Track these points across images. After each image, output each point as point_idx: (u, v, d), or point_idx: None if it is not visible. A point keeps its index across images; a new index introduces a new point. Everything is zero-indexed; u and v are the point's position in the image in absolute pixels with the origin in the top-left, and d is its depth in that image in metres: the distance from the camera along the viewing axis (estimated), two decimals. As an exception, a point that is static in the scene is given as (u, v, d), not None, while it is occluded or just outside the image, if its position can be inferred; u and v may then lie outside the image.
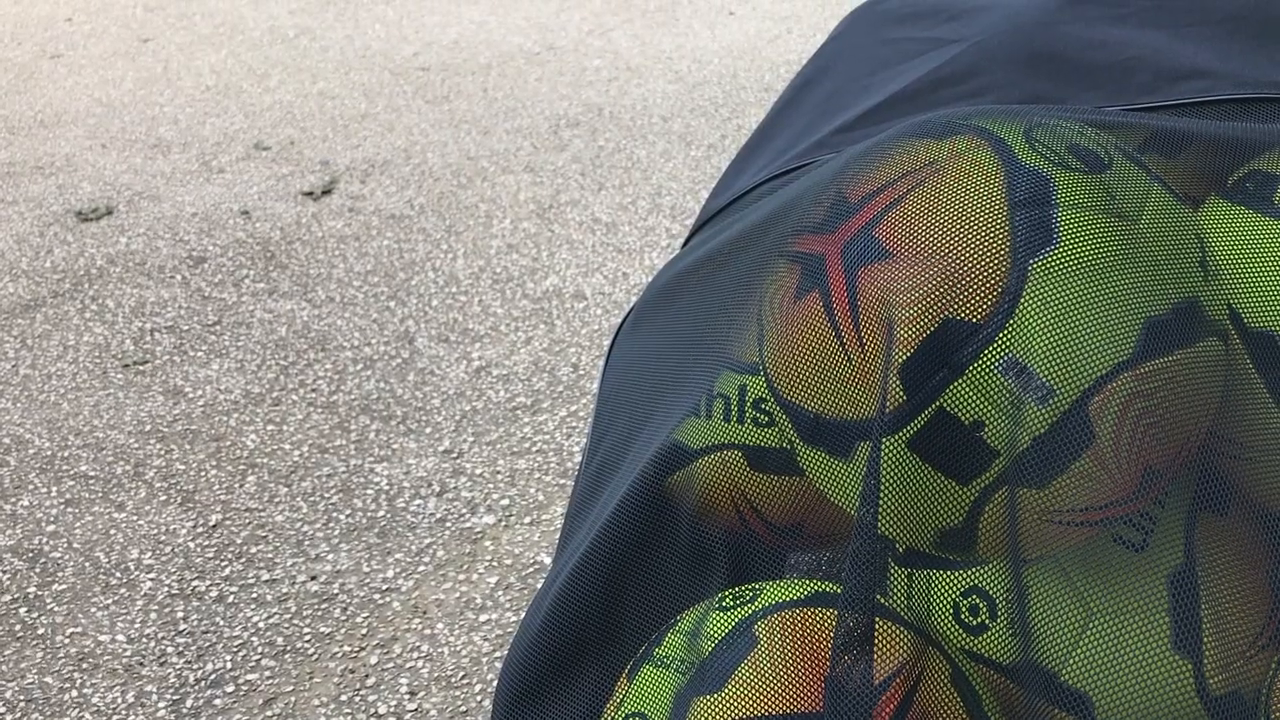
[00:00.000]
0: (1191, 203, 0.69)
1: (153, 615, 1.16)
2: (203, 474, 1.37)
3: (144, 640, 1.13)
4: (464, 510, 1.24)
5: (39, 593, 1.21)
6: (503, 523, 1.22)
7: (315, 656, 1.09)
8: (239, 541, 1.25)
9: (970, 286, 0.57)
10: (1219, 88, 0.72)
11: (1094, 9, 0.79)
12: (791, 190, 0.76)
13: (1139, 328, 0.57)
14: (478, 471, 1.29)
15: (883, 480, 0.60)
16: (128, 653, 1.12)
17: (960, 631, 0.66)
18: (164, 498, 1.33)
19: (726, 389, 0.75)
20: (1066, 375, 0.56)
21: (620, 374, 0.87)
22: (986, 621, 0.65)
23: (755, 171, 0.89)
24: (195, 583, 1.20)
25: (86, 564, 1.24)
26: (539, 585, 1.12)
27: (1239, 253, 0.65)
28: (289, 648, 1.11)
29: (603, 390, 0.87)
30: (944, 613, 0.67)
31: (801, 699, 0.61)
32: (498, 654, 1.08)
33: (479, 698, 1.06)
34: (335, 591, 1.16)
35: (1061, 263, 0.57)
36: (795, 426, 0.66)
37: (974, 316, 0.57)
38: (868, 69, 0.90)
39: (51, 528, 1.30)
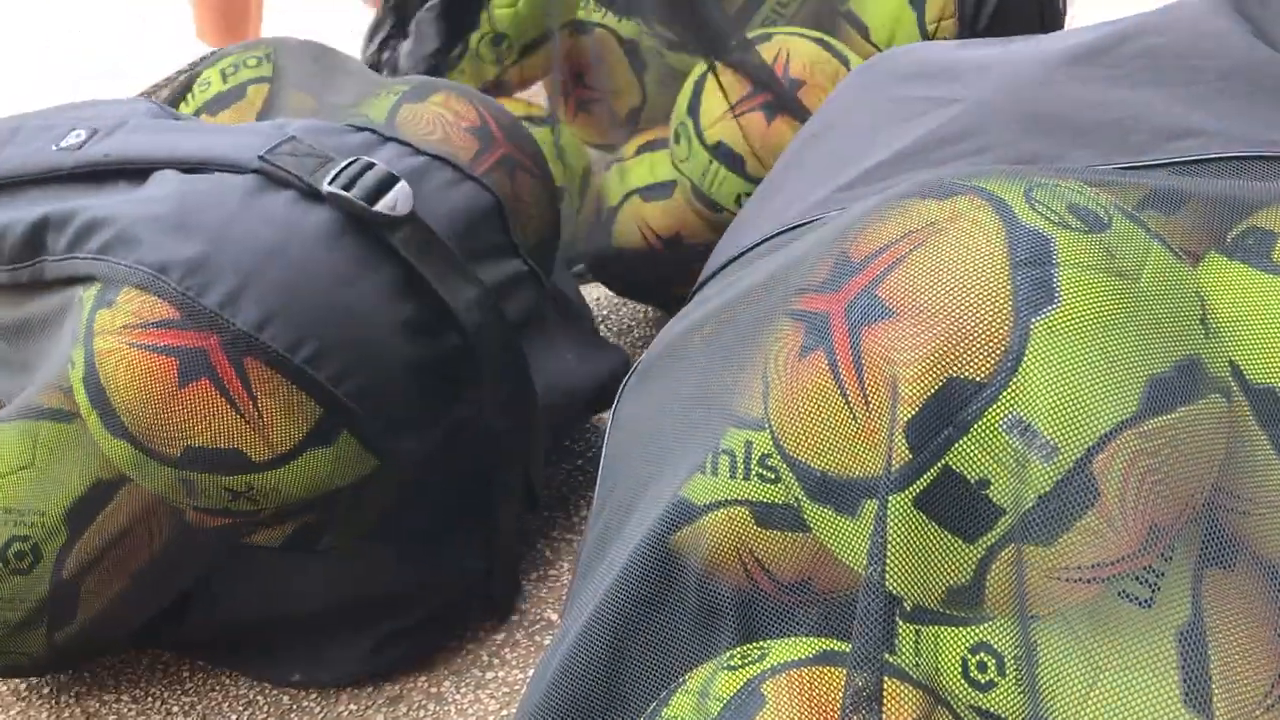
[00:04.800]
0: (1191, 259, 0.69)
1: (158, 674, 1.17)
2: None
3: (149, 700, 1.13)
4: (470, 566, 1.24)
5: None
6: (509, 579, 1.23)
7: (321, 715, 1.09)
8: (245, 599, 1.25)
9: (973, 345, 0.58)
10: (1214, 146, 0.73)
11: (1091, 69, 0.80)
12: (795, 248, 0.77)
13: (1142, 385, 0.57)
14: (483, 527, 1.29)
15: (890, 538, 0.60)
16: (132, 713, 1.12)
17: (969, 688, 0.66)
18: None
19: (732, 445, 0.76)
20: (1070, 433, 0.57)
21: (626, 431, 0.87)
22: (995, 678, 0.65)
23: (760, 227, 0.90)
24: (201, 641, 1.20)
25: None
26: (547, 643, 1.12)
27: (1240, 309, 0.66)
28: (295, 706, 1.11)
29: (608, 447, 0.88)
30: (953, 669, 0.67)
31: (811, 758, 0.61)
32: (505, 712, 1.07)
33: (486, 757, 1.05)
34: (341, 649, 1.16)
35: (1063, 321, 0.57)
36: (802, 484, 0.67)
37: (978, 375, 0.58)
38: (871, 126, 0.91)
39: None
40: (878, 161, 0.84)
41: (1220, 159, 0.71)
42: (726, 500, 0.74)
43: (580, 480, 1.34)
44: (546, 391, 1.08)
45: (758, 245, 0.88)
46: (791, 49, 1.30)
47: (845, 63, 1.30)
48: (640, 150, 1.44)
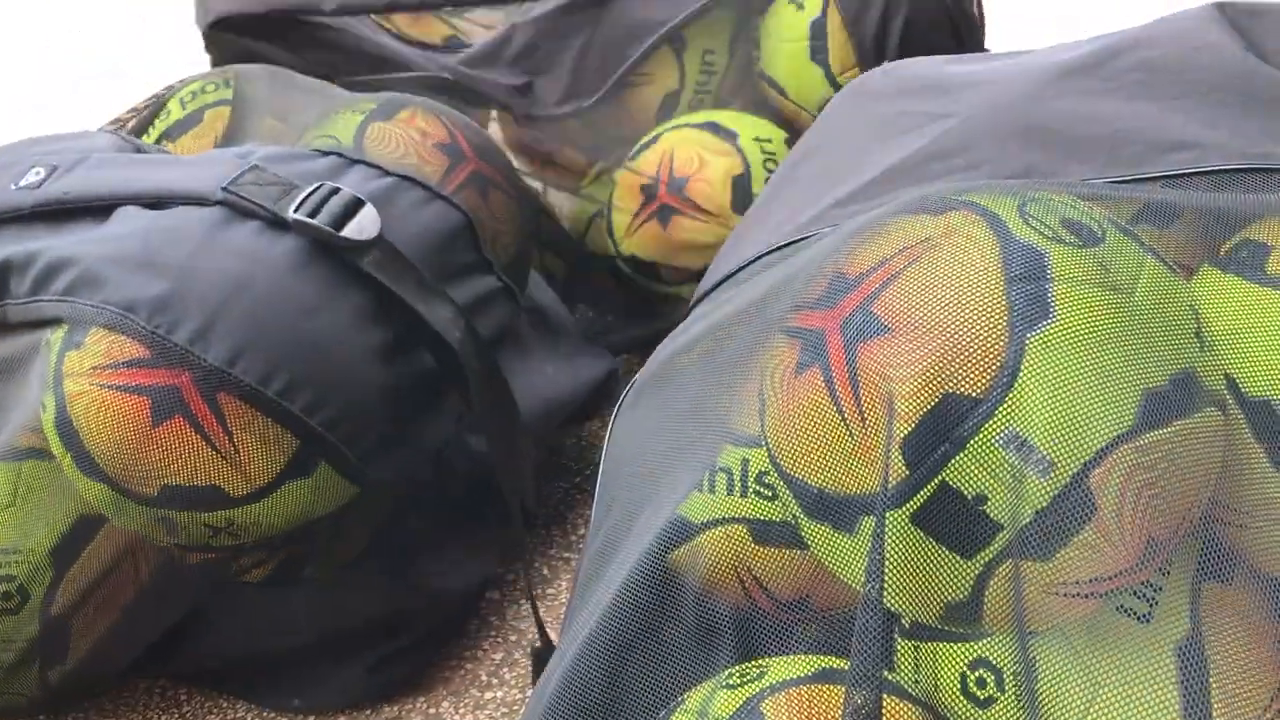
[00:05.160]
0: (1185, 272, 0.70)
1: (155, 698, 1.16)
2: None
3: (146, 723, 1.13)
4: (468, 585, 1.23)
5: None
6: (507, 598, 1.22)
7: (320, 737, 1.09)
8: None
9: (969, 361, 0.58)
10: (1208, 158, 0.73)
11: (1083, 82, 0.81)
12: (790, 265, 0.77)
13: (1137, 399, 0.57)
14: (481, 546, 1.29)
15: (887, 555, 0.60)
16: (131, 736, 1.12)
17: (968, 705, 0.66)
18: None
19: (729, 462, 0.76)
20: (1067, 448, 0.57)
21: (623, 449, 0.87)
22: (994, 694, 0.65)
23: (754, 244, 0.90)
24: (198, 664, 1.20)
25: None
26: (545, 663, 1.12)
27: (1235, 322, 0.66)
28: (293, 729, 1.11)
29: (605, 465, 0.88)
30: (952, 685, 0.66)
31: (811, 777, 0.61)
32: (503, 732, 1.07)
33: (485, 778, 1.05)
34: (339, 670, 1.16)
35: (1058, 336, 0.58)
36: (799, 501, 0.66)
37: (974, 391, 0.58)
38: (861, 143, 0.91)
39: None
40: (871, 177, 0.84)
41: (1214, 171, 0.72)
42: (724, 518, 0.74)
43: (578, 498, 1.34)
44: (527, 405, 1.08)
45: (752, 263, 0.88)
46: (675, 147, 1.36)
47: (733, 138, 1.35)
48: (598, 176, 1.47)
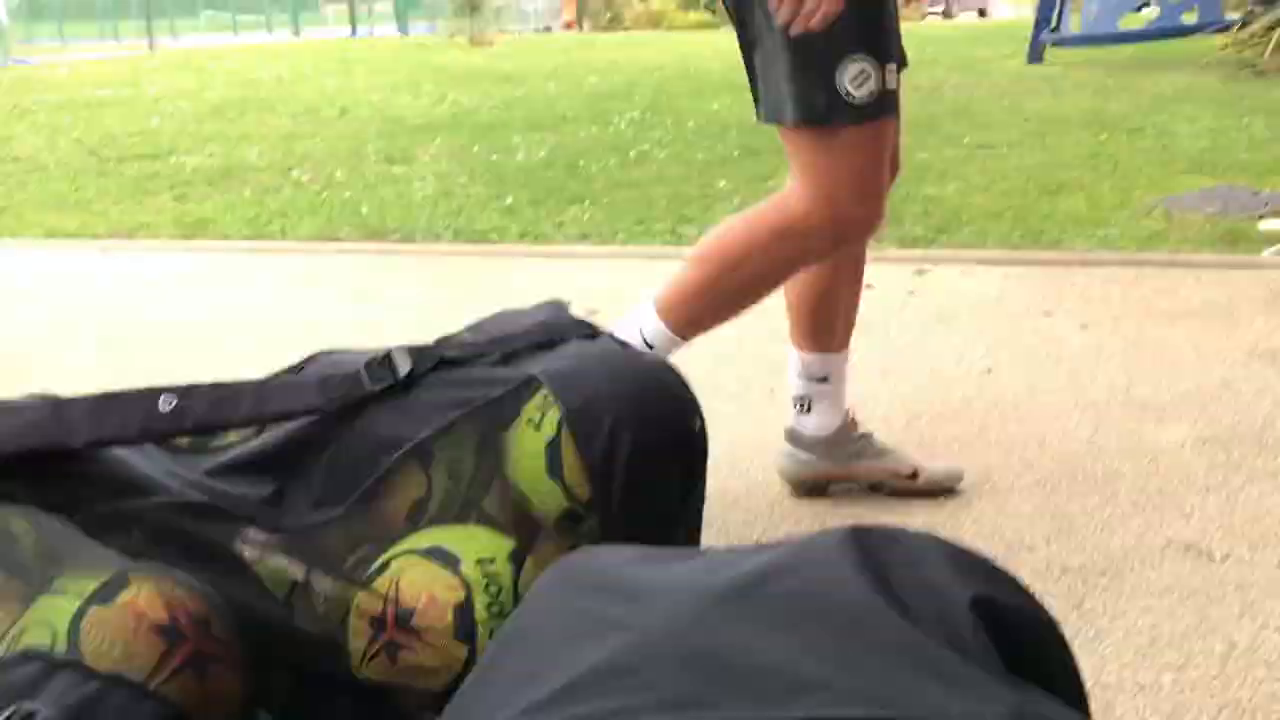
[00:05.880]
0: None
1: None
2: None
3: None
4: None
5: None
6: None
7: None
8: None
9: None
10: (838, 702, 0.80)
11: (738, 609, 0.88)
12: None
13: None
14: None
15: None
16: None
17: None
18: None
19: None
20: None
21: None
22: None
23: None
24: None
25: None
26: None
27: None
28: None
29: None
30: None
31: None
32: None
33: None
34: None
35: None
36: None
37: None
38: (555, 639, 0.96)
39: None
40: (558, 687, 0.89)
41: None
42: None
43: None
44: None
45: None
46: (402, 576, 1.43)
47: (456, 565, 1.42)
48: (348, 585, 1.50)
